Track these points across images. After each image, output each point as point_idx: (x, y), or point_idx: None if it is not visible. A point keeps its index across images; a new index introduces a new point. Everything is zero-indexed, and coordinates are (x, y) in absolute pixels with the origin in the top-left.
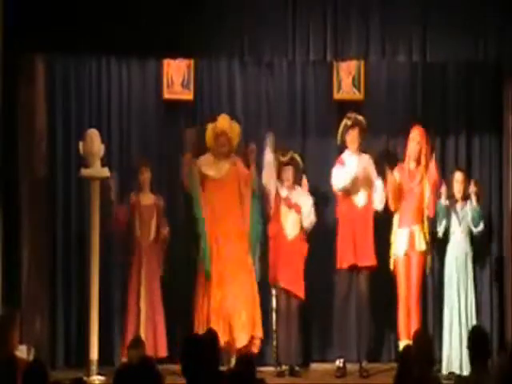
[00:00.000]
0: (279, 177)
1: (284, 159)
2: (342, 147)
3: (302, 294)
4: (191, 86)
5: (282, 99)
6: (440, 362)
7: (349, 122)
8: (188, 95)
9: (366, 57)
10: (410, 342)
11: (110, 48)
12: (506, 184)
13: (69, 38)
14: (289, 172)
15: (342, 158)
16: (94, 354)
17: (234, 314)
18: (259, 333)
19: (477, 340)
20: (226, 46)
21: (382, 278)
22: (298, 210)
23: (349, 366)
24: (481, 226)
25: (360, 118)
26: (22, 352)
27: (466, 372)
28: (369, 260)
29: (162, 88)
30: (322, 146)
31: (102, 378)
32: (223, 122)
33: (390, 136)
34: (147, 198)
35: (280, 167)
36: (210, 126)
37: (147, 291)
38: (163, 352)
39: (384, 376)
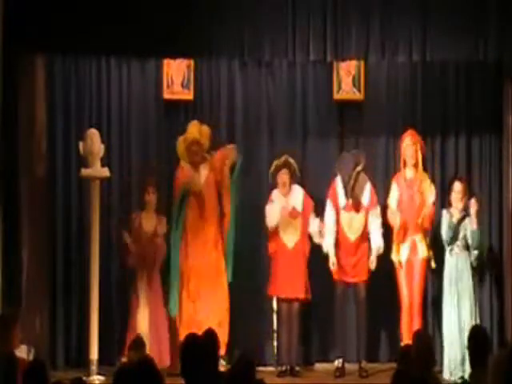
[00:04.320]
0: (275, 183)
1: (279, 163)
2: (342, 148)
3: (302, 295)
4: (191, 86)
5: (282, 99)
6: (441, 365)
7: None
8: (188, 95)
9: (366, 57)
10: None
11: (110, 48)
12: (505, 184)
13: (69, 38)
14: (285, 176)
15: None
16: (94, 354)
17: (204, 324)
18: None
19: (477, 340)
20: (226, 46)
21: (381, 280)
22: (295, 214)
23: (348, 366)
24: (477, 251)
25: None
26: (22, 352)
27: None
28: (362, 276)
29: (161, 88)
30: (323, 146)
31: (101, 377)
32: (193, 129)
33: (390, 136)
34: (150, 223)
35: (275, 172)
36: (180, 139)
37: (150, 301)
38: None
39: (383, 376)
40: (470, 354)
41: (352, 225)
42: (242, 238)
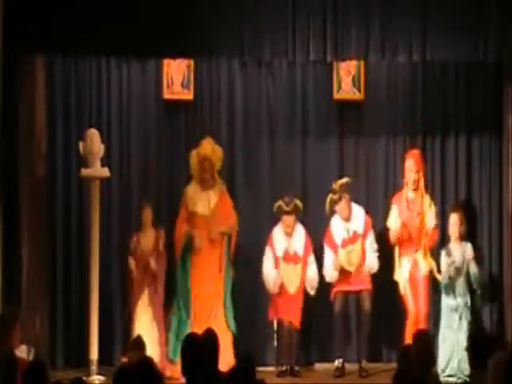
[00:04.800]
0: (278, 218)
1: (288, 209)
2: (342, 148)
3: (298, 324)
4: (191, 86)
5: (282, 99)
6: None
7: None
8: (188, 95)
9: (366, 57)
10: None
11: (110, 48)
12: (505, 184)
13: (69, 38)
14: (291, 220)
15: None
16: (94, 354)
17: None
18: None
19: (477, 341)
20: (226, 46)
21: (385, 288)
22: (297, 260)
23: (349, 366)
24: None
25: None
26: (22, 352)
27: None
28: (366, 284)
29: (161, 88)
30: (322, 145)
31: (101, 377)
32: (206, 146)
33: (390, 136)
34: (148, 240)
35: (282, 214)
36: (193, 152)
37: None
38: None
39: (384, 376)
40: (470, 356)
41: (351, 259)
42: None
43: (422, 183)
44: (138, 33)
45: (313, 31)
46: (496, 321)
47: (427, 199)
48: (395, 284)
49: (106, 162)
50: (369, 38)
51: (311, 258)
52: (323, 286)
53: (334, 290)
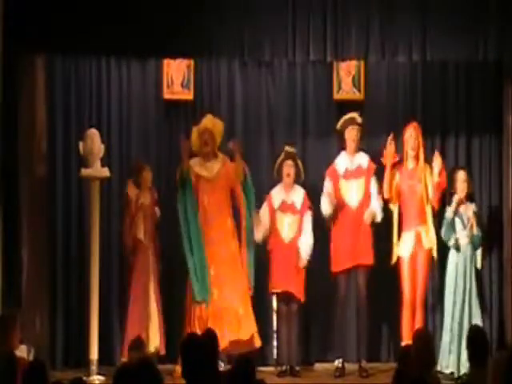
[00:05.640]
0: (279, 173)
1: (290, 150)
2: (342, 148)
3: (301, 296)
4: (191, 86)
5: (282, 99)
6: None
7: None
8: (188, 95)
9: (365, 57)
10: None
11: (110, 48)
12: (505, 184)
13: (69, 38)
14: (291, 168)
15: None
16: (94, 354)
17: (231, 311)
18: (255, 327)
19: (475, 340)
20: (226, 46)
21: (382, 277)
22: (294, 211)
23: (349, 366)
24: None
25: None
26: (22, 352)
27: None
28: (366, 259)
29: (161, 88)
30: (323, 145)
31: (101, 377)
32: (206, 120)
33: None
34: (146, 198)
35: (282, 162)
36: (194, 129)
37: (150, 290)
38: (162, 350)
39: (383, 376)
40: (470, 355)
41: (351, 190)
42: None
43: (421, 154)
44: (138, 33)
45: (313, 31)
46: (496, 321)
47: (427, 170)
48: (395, 277)
49: (106, 161)
50: (369, 38)
51: (308, 215)
52: (323, 285)
53: (334, 270)
